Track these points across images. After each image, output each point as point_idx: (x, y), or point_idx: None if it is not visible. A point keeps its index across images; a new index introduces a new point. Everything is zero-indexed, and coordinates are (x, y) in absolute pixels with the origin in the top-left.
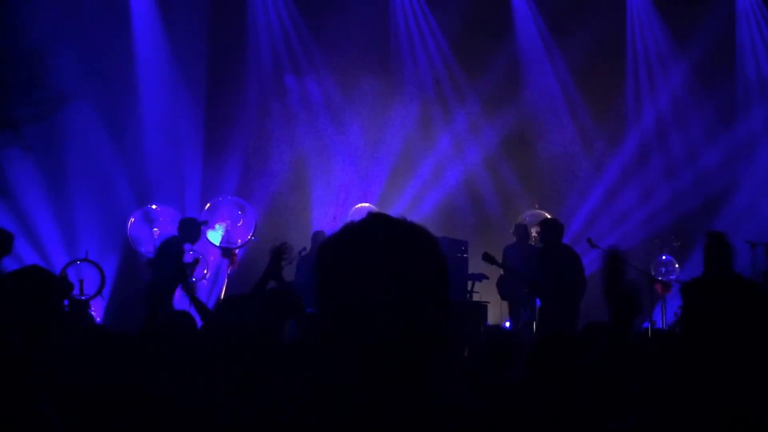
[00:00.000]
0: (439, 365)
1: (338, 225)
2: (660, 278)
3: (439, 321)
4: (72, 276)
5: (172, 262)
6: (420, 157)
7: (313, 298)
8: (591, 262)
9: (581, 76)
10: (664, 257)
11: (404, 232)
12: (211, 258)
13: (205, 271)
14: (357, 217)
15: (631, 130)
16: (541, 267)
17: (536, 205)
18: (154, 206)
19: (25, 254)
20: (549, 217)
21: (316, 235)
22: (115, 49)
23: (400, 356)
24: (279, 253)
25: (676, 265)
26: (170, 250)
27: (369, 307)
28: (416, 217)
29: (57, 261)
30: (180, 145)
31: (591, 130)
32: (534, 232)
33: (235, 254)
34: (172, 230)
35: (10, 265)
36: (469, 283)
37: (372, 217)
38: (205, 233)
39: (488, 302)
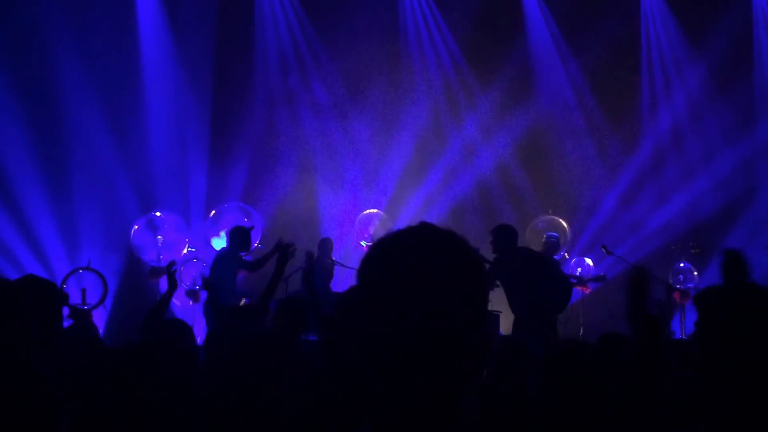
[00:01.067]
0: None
1: (346, 232)
2: (678, 286)
3: (478, 338)
4: (74, 285)
5: (234, 274)
6: (430, 163)
7: (346, 302)
8: (605, 269)
9: (595, 79)
10: (681, 265)
11: (453, 245)
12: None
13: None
14: (365, 223)
15: (647, 134)
16: (501, 277)
17: (550, 211)
18: (158, 213)
19: (26, 262)
20: (503, 224)
21: (324, 242)
22: (120, 52)
23: (436, 372)
24: (285, 253)
25: (695, 273)
26: (230, 262)
27: (409, 319)
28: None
29: (59, 269)
30: (185, 150)
31: (605, 134)
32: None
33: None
34: (177, 238)
35: (11, 273)
36: None
37: (421, 226)
38: (211, 241)
39: (500, 312)
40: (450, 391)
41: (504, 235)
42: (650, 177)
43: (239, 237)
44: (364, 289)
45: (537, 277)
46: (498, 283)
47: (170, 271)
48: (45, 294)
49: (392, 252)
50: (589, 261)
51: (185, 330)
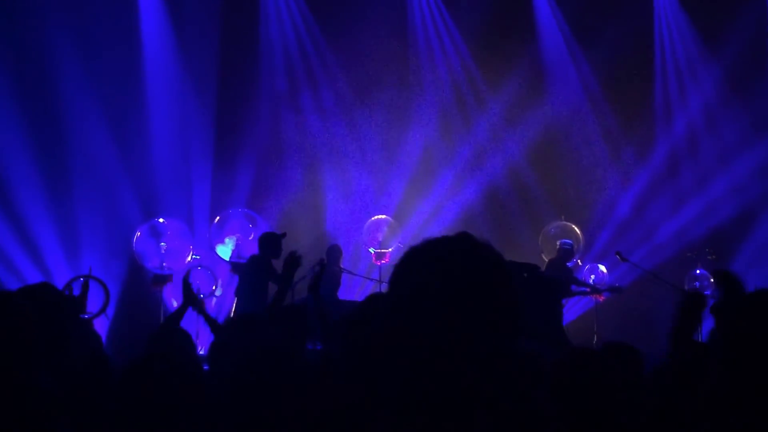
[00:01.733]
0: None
1: (354, 237)
2: None
3: (507, 351)
4: (74, 293)
5: (265, 283)
6: (439, 167)
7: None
8: (619, 277)
9: (608, 81)
10: (698, 271)
11: (491, 257)
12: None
13: (214, 287)
14: (373, 230)
15: (661, 137)
16: None
17: (563, 217)
18: (161, 220)
19: (25, 270)
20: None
21: (332, 249)
22: (122, 53)
23: (462, 380)
24: (293, 263)
25: (711, 280)
26: (261, 270)
27: (442, 327)
28: (435, 229)
29: (59, 277)
30: (188, 155)
31: (619, 138)
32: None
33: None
34: (180, 245)
35: (10, 281)
36: None
37: (461, 237)
38: (216, 248)
39: None
40: (476, 393)
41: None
42: (665, 181)
43: (271, 243)
44: (409, 293)
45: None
46: None
47: (186, 283)
48: (51, 305)
49: (438, 258)
50: (602, 268)
51: (187, 341)
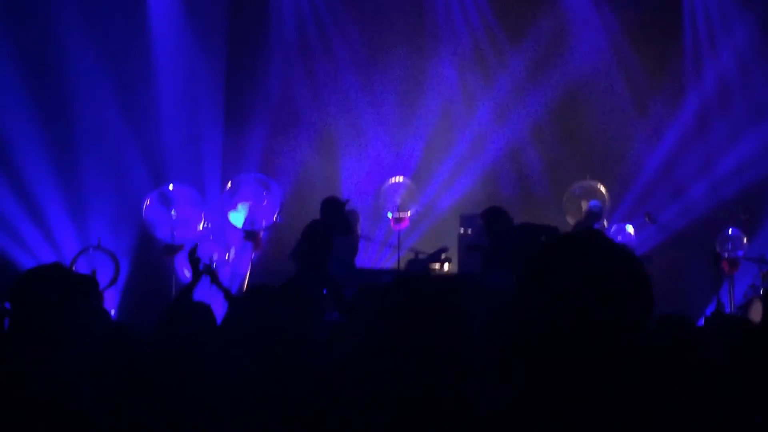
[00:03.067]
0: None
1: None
2: (726, 255)
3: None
4: (84, 265)
5: (324, 248)
6: (459, 127)
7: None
8: (647, 240)
9: (634, 33)
10: (730, 231)
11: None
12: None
13: (227, 255)
14: (390, 193)
15: (691, 91)
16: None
17: (588, 176)
18: (171, 187)
19: (33, 242)
20: (492, 206)
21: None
22: (129, 20)
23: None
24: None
25: (744, 240)
26: (319, 235)
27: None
28: (456, 191)
29: (67, 248)
30: (198, 119)
31: (646, 93)
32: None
33: (259, 237)
34: (192, 213)
35: (20, 255)
36: None
37: (593, 235)
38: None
39: None
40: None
41: (495, 218)
42: (695, 138)
43: (333, 209)
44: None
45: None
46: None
47: (193, 258)
48: (70, 284)
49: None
50: (630, 228)
51: (207, 316)
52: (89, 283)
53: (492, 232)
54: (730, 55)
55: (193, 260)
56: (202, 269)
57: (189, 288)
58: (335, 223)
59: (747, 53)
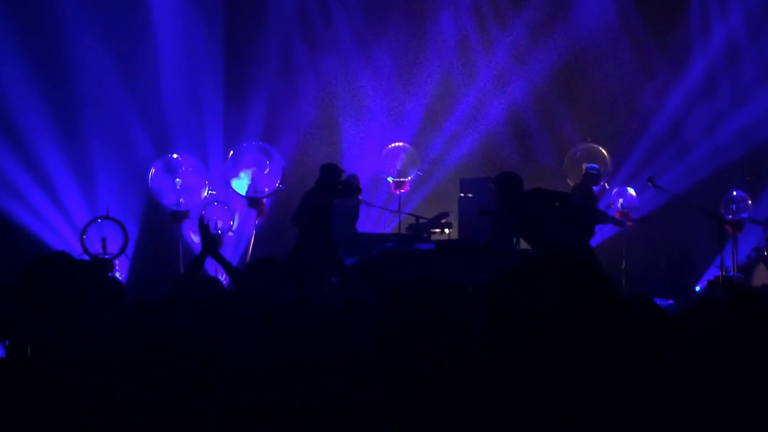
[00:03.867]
0: None
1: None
2: (730, 217)
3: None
4: (94, 235)
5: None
6: (459, 92)
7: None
8: (650, 201)
9: None
10: (734, 193)
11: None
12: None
13: (232, 223)
14: (391, 158)
15: (697, 52)
16: (513, 228)
17: (588, 138)
18: (175, 155)
19: (47, 213)
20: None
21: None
22: None
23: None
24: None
25: (749, 202)
26: (318, 200)
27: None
28: (455, 157)
29: (78, 218)
30: (199, 88)
31: (651, 54)
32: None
33: (262, 204)
34: (196, 180)
35: (35, 224)
36: None
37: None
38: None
39: None
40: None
41: (507, 184)
42: (700, 99)
43: (332, 173)
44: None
45: (551, 220)
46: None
47: (203, 225)
48: (76, 274)
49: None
50: (631, 191)
51: (217, 289)
52: (96, 267)
53: (503, 197)
54: (739, 14)
55: (204, 228)
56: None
57: (199, 259)
58: (334, 186)
59: (756, 11)
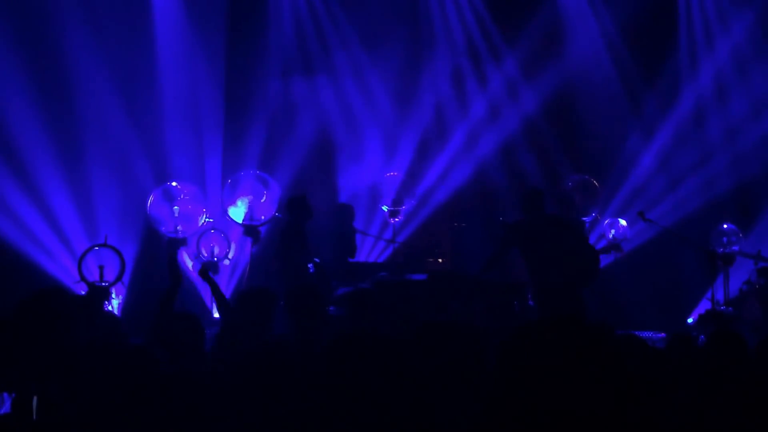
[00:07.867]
0: None
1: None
2: (721, 250)
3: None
4: (92, 262)
5: (299, 245)
6: (452, 124)
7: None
8: (640, 232)
9: (629, 29)
10: (725, 226)
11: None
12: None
13: (228, 250)
14: (386, 187)
15: (686, 88)
16: (517, 243)
17: (580, 170)
18: (174, 183)
19: (47, 241)
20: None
21: (342, 208)
22: (130, 17)
23: None
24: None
25: (740, 235)
26: (293, 233)
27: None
28: (449, 187)
29: (78, 246)
30: (199, 117)
31: (641, 89)
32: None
33: (258, 231)
34: (194, 208)
35: (33, 250)
36: None
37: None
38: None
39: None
40: None
41: (526, 198)
42: (690, 134)
43: (299, 206)
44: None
45: (557, 246)
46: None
47: (173, 262)
48: (69, 310)
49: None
50: (623, 222)
51: (195, 327)
52: (89, 301)
53: (523, 211)
54: (727, 50)
55: (173, 264)
56: (200, 270)
57: (169, 296)
58: (301, 216)
59: (744, 49)
